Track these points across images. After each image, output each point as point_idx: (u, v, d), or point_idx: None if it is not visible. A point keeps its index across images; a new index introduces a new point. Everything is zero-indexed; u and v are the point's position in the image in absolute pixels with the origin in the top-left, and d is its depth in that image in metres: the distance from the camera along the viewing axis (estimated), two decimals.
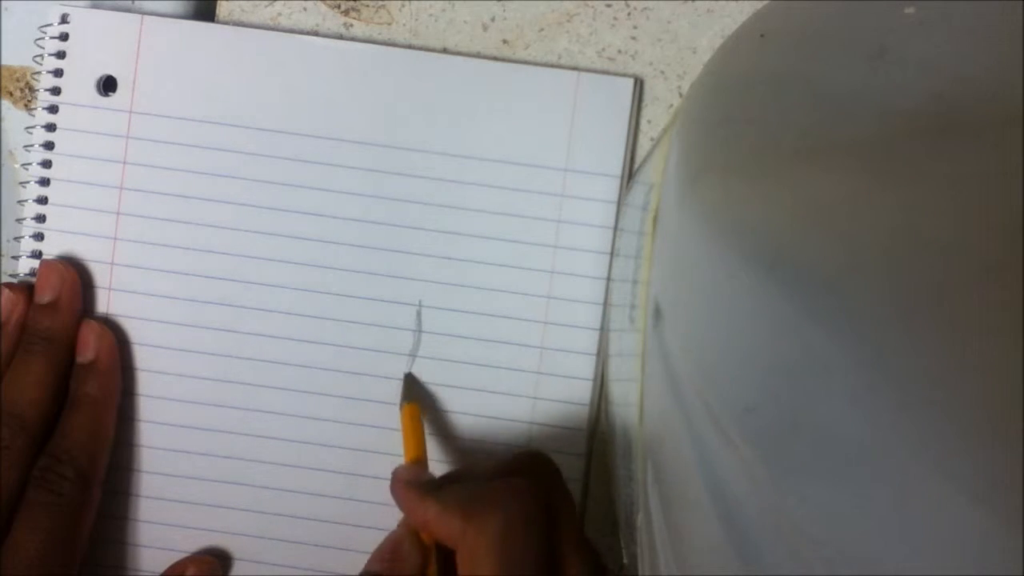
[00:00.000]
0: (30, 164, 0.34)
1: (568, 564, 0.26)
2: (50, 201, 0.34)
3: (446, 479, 0.29)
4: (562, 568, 0.26)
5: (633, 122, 0.33)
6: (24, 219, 0.34)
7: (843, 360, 0.12)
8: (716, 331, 0.16)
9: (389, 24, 0.34)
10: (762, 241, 0.15)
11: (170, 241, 0.34)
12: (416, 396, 0.33)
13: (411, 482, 0.28)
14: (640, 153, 0.33)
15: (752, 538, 0.14)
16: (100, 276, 0.34)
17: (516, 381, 0.33)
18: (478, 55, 0.34)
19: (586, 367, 0.33)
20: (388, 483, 0.32)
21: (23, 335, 0.32)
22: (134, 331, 0.34)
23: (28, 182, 0.34)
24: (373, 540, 0.31)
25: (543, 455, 0.30)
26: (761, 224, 0.15)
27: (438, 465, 0.33)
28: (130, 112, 0.34)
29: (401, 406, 0.32)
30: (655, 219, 0.22)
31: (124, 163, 0.34)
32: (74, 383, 0.32)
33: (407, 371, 0.33)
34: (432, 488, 0.28)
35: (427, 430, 0.33)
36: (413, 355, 0.33)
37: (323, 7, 0.34)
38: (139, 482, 0.34)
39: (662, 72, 0.33)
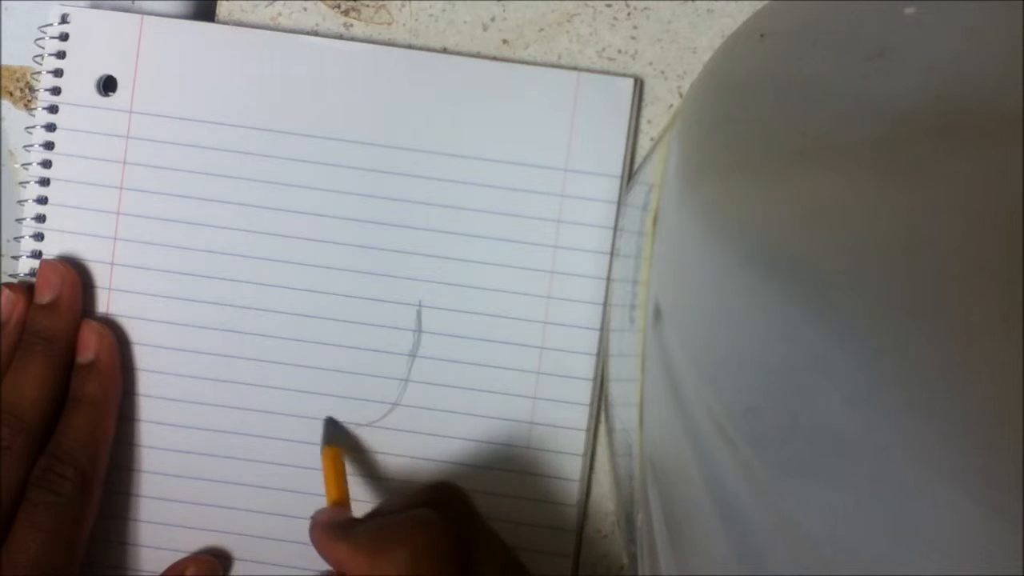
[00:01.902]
0: (30, 164, 0.34)
1: None
2: (50, 201, 0.34)
3: (361, 519, 0.29)
4: None
5: (633, 122, 0.33)
6: (24, 219, 0.34)
7: (843, 360, 0.12)
8: (716, 331, 0.16)
9: (389, 24, 0.34)
10: (762, 241, 0.15)
11: (170, 241, 0.34)
12: (336, 439, 0.33)
13: (326, 524, 0.28)
14: (640, 153, 0.33)
15: (752, 538, 0.14)
16: (100, 276, 0.34)
17: (516, 381, 0.33)
18: (478, 55, 0.34)
19: (586, 367, 0.33)
20: (388, 483, 0.32)
21: (23, 335, 0.32)
22: (134, 331, 0.34)
23: (28, 182, 0.34)
24: None
25: (450, 484, 0.30)
26: (761, 224, 0.15)
27: (366, 507, 0.33)
28: (130, 112, 0.34)
29: (321, 450, 0.32)
30: (655, 219, 0.22)
31: (124, 163, 0.34)
32: (74, 383, 0.32)
33: (327, 416, 0.33)
34: (345, 528, 0.28)
35: (351, 472, 0.33)
36: (413, 355, 0.33)
37: (323, 7, 0.34)
38: (139, 482, 0.34)
39: (662, 72, 0.33)
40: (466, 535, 0.27)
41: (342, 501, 0.31)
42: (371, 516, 0.29)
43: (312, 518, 0.29)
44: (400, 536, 0.26)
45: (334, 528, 0.28)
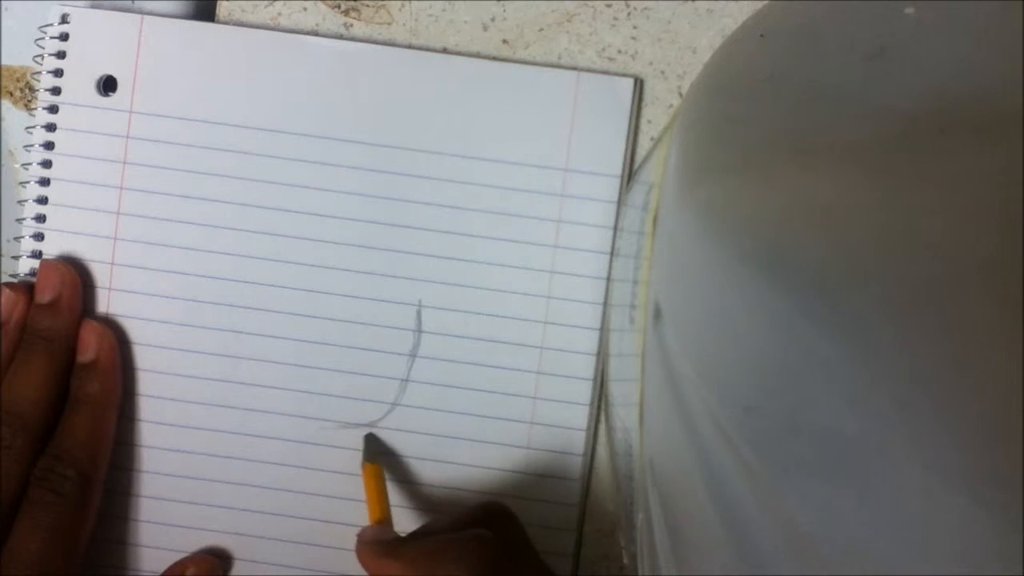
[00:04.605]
0: (30, 164, 0.34)
1: None
2: (50, 201, 0.34)
3: (410, 537, 0.29)
4: None
5: (633, 122, 0.33)
6: (24, 219, 0.34)
7: (842, 360, 0.12)
8: (716, 331, 0.16)
9: (389, 24, 0.34)
10: (761, 241, 0.15)
11: (170, 241, 0.34)
12: (377, 455, 0.33)
13: (374, 542, 0.28)
14: (640, 153, 0.33)
15: (752, 538, 0.14)
16: (100, 276, 0.34)
17: (516, 381, 0.33)
18: (478, 55, 0.34)
19: (586, 367, 0.33)
20: (389, 483, 0.32)
21: (23, 335, 0.32)
22: (134, 331, 0.34)
23: (28, 182, 0.34)
24: None
25: (502, 505, 0.30)
26: (760, 224, 0.15)
27: (406, 523, 0.33)
28: (130, 112, 0.34)
29: (362, 466, 0.32)
30: (655, 219, 0.22)
31: (124, 163, 0.34)
32: (75, 383, 0.32)
33: (367, 432, 0.33)
34: (394, 546, 0.28)
35: (392, 487, 0.33)
36: (413, 355, 0.33)
37: (323, 7, 0.34)
38: (139, 482, 0.34)
39: (662, 72, 0.33)
40: (516, 557, 0.28)
41: (384, 519, 0.30)
42: (419, 535, 0.29)
43: (357, 537, 0.29)
44: (455, 555, 0.26)
45: (383, 546, 0.28)
